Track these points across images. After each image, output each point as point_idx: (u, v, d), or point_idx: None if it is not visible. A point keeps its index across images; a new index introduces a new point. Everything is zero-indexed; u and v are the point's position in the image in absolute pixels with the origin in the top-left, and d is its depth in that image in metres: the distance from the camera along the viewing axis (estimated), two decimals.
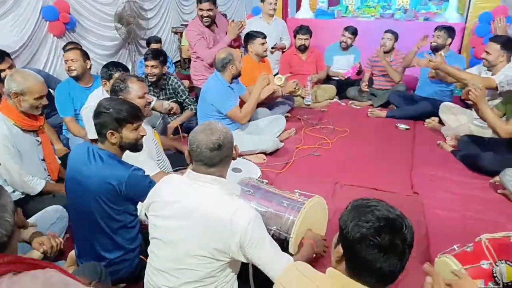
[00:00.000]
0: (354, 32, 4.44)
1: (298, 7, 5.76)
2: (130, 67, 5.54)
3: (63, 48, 3.72)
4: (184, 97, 3.52)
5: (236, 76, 3.05)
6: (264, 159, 3.07)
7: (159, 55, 3.30)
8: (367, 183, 2.70)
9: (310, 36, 4.26)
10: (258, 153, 3.10)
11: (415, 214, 2.32)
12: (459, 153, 3.01)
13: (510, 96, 2.78)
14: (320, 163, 3.06)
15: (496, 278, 1.53)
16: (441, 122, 3.62)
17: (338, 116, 3.98)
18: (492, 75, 3.03)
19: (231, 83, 3.06)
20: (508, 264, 1.55)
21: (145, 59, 3.30)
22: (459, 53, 4.83)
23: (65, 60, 2.94)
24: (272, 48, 4.35)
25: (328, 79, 4.61)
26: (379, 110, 4.06)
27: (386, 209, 1.03)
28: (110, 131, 1.67)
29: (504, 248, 1.60)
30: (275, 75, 3.59)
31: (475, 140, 3.01)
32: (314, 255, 1.85)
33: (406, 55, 4.09)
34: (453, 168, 2.87)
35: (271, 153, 3.16)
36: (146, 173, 1.74)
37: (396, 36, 4.20)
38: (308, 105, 4.02)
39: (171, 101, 3.40)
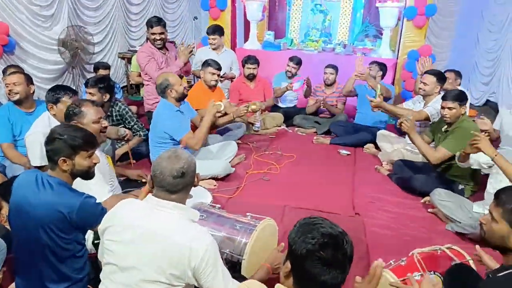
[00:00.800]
0: (298, 62, 4.73)
1: (246, 39, 6.02)
2: None
3: (3, 71, 3.55)
4: (132, 123, 3.50)
5: (180, 99, 3.04)
6: (215, 185, 3.12)
7: (99, 83, 3.20)
8: (314, 205, 2.85)
9: (258, 66, 4.47)
10: (209, 178, 3.13)
11: (356, 233, 2.49)
12: (394, 176, 3.29)
13: (437, 125, 3.14)
14: (269, 187, 3.17)
15: None
16: (377, 148, 3.94)
17: (286, 142, 4.17)
18: (425, 104, 3.44)
19: (179, 107, 3.08)
20: (436, 274, 1.74)
21: (85, 85, 3.23)
22: (392, 85, 5.33)
23: (6, 84, 2.81)
24: (222, 77, 4.49)
25: (275, 108, 4.83)
26: (323, 137, 4.31)
27: (329, 226, 1.14)
28: (62, 158, 1.64)
29: (432, 260, 1.79)
30: None
31: (408, 164, 3.33)
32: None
33: (345, 83, 4.43)
34: (390, 189, 3.14)
35: (222, 178, 3.21)
36: (98, 198, 1.72)
37: (337, 70, 4.56)
38: (257, 131, 4.18)
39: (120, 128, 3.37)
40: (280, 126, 4.62)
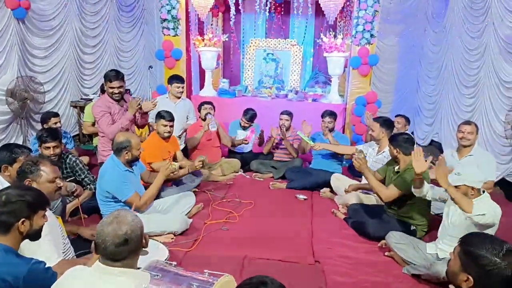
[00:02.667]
0: (252, 117, 4.84)
1: (201, 86, 6.14)
2: (21, 143, 5.11)
3: None
4: (83, 176, 3.37)
5: (131, 162, 2.97)
6: (172, 238, 3.01)
7: (58, 134, 3.15)
8: (273, 255, 2.82)
9: (214, 109, 4.56)
10: (166, 233, 3.03)
11: (317, 282, 2.49)
12: (350, 220, 3.36)
13: (389, 164, 3.32)
14: (228, 238, 3.11)
15: None
16: (333, 191, 4.04)
17: (244, 189, 4.17)
18: (379, 148, 3.76)
19: (130, 167, 3.00)
20: None
21: (44, 141, 3.09)
22: (343, 130, 5.60)
23: None
24: (179, 136, 4.54)
25: (232, 153, 4.86)
26: (279, 182, 4.37)
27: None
28: (23, 219, 1.58)
29: None
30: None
31: (362, 208, 3.42)
32: None
33: (300, 143, 4.59)
34: (347, 234, 3.19)
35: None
36: (48, 262, 1.63)
37: (291, 116, 4.73)
38: (215, 129, 4.29)
39: (69, 180, 3.23)
40: (237, 172, 4.63)
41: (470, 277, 1.34)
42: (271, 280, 1.19)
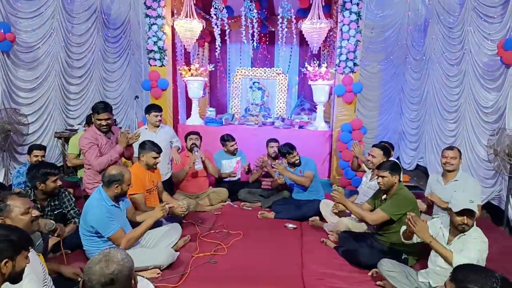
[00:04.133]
0: (228, 138, 4.87)
1: (188, 115, 6.15)
2: (2, 176, 4.98)
3: None
4: (69, 208, 3.28)
5: (119, 196, 2.93)
6: (158, 273, 2.91)
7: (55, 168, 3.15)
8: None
9: (201, 139, 4.56)
10: (152, 268, 2.93)
11: None
12: (340, 248, 3.32)
13: (377, 194, 3.34)
14: (216, 271, 3.02)
15: None
16: (322, 219, 4.00)
17: (232, 219, 4.10)
18: (372, 174, 3.77)
19: (116, 202, 2.95)
20: None
21: (40, 177, 3.04)
22: (330, 156, 5.64)
23: None
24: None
25: (220, 182, 4.82)
26: (267, 211, 4.31)
27: None
28: (5, 260, 1.52)
29: None
30: None
31: (352, 236, 3.38)
32: None
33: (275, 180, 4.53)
34: (337, 264, 3.14)
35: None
36: None
37: (279, 144, 4.74)
38: (200, 168, 4.25)
39: (56, 213, 3.15)
40: (225, 202, 4.57)
41: None
42: None
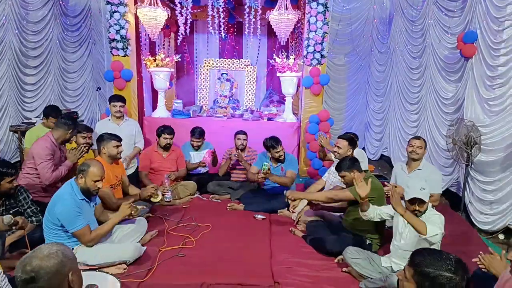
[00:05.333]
0: (200, 134, 4.73)
1: (154, 107, 5.99)
2: None
3: None
4: (25, 207, 3.10)
5: (83, 192, 2.80)
6: (125, 269, 2.82)
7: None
8: (232, 279, 2.74)
9: (174, 135, 4.43)
10: (118, 263, 2.84)
11: None
12: (308, 237, 3.37)
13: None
14: (185, 264, 2.97)
15: None
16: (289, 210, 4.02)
17: (200, 211, 4.04)
18: None
19: (87, 198, 2.84)
20: None
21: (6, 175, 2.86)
22: (298, 148, 5.69)
23: None
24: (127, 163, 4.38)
25: (188, 176, 4.74)
26: (236, 203, 4.29)
27: None
28: None
29: None
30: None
31: (319, 225, 3.46)
32: None
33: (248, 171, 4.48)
34: (305, 252, 3.18)
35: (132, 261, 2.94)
36: None
37: (247, 136, 4.72)
38: (169, 201, 4.01)
39: (12, 212, 2.96)
40: (193, 195, 4.51)
41: None
42: None
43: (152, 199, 3.59)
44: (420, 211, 2.51)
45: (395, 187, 3.13)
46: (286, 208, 4.03)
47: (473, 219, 4.03)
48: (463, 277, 1.33)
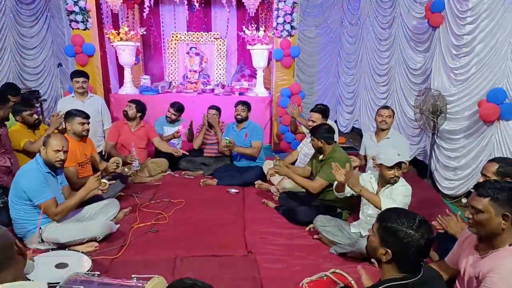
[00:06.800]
0: (179, 109, 4.67)
1: (121, 84, 5.78)
2: None
3: None
4: None
5: (47, 165, 2.72)
6: (96, 246, 2.77)
7: None
8: (206, 251, 2.75)
9: (137, 107, 4.29)
10: (87, 241, 2.78)
11: (251, 272, 2.48)
12: (280, 208, 3.42)
13: (314, 155, 3.44)
14: (158, 240, 2.96)
15: None
16: (266, 181, 4.03)
17: (173, 188, 3.99)
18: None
19: (53, 171, 2.76)
20: None
21: None
22: (271, 122, 5.68)
23: None
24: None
25: (159, 153, 4.65)
26: (210, 178, 4.27)
27: None
28: None
29: (320, 287, 1.86)
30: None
31: (291, 195, 3.51)
32: None
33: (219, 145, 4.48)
34: (278, 222, 3.24)
35: (104, 238, 2.88)
36: None
37: (219, 111, 4.64)
38: (137, 170, 3.94)
39: None
40: (165, 172, 4.44)
41: (388, 251, 1.40)
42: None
43: (126, 172, 3.51)
44: (398, 177, 2.58)
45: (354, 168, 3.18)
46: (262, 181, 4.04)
47: (438, 185, 4.20)
48: (423, 236, 1.37)
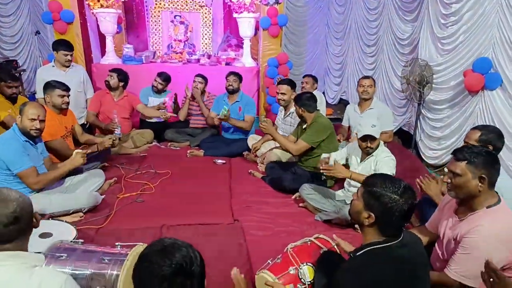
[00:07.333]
0: (166, 79, 4.58)
1: (103, 53, 5.60)
2: None
3: None
4: None
5: (23, 134, 2.64)
6: (81, 216, 2.76)
7: None
8: (193, 220, 2.76)
9: (119, 76, 4.16)
10: (73, 212, 2.76)
11: (237, 239, 2.52)
12: (267, 178, 3.44)
13: (299, 125, 3.43)
14: (144, 209, 2.95)
15: (302, 279, 1.78)
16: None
17: (159, 159, 3.96)
18: (285, 110, 3.82)
19: (31, 140, 2.69)
20: (309, 265, 1.83)
21: None
22: (258, 93, 5.62)
23: None
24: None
25: (144, 124, 4.58)
26: (196, 149, 4.24)
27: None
28: None
29: (304, 252, 1.89)
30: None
31: (277, 165, 3.52)
32: None
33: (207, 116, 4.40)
34: (264, 191, 3.26)
35: (89, 209, 2.86)
36: None
37: (206, 80, 4.55)
38: (119, 136, 3.86)
39: None
40: (151, 143, 4.39)
41: (372, 214, 1.42)
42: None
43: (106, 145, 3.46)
44: (372, 147, 2.60)
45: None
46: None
47: (422, 155, 4.26)
48: (406, 201, 1.39)
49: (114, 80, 4.13)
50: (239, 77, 4.29)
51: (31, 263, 1.25)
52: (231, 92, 4.24)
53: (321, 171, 2.70)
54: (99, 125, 4.14)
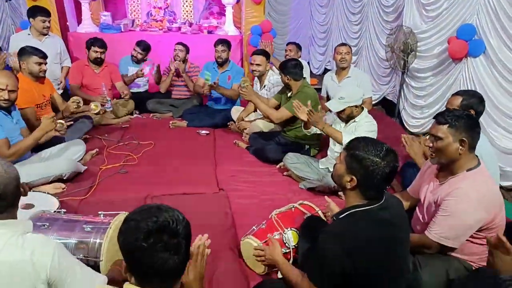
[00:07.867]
0: (145, 48, 4.44)
1: (79, 21, 5.36)
2: None
3: None
4: None
5: None
6: (64, 188, 2.72)
7: None
8: (177, 190, 2.75)
9: (106, 50, 4.04)
10: (53, 181, 2.71)
11: (222, 208, 2.54)
12: (251, 148, 3.43)
13: (283, 91, 3.40)
14: (128, 180, 2.92)
15: (286, 244, 1.82)
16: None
17: (141, 130, 3.89)
18: (261, 82, 3.76)
19: (5, 110, 2.58)
20: (293, 230, 1.86)
21: None
22: (242, 62, 5.51)
23: None
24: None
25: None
26: (179, 120, 4.17)
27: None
28: None
29: (288, 218, 1.92)
30: None
31: (261, 135, 3.51)
32: None
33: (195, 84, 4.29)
34: (248, 162, 3.26)
35: (71, 180, 2.82)
36: None
37: (187, 49, 4.41)
38: (110, 110, 3.82)
39: None
40: (132, 114, 4.30)
41: (354, 177, 1.43)
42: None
43: (92, 112, 3.37)
44: (342, 117, 2.65)
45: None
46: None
47: (405, 124, 4.31)
48: (388, 164, 1.39)
49: (104, 55, 4.02)
50: (228, 46, 4.17)
51: (22, 230, 1.26)
52: (221, 64, 4.14)
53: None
54: (86, 98, 3.99)
